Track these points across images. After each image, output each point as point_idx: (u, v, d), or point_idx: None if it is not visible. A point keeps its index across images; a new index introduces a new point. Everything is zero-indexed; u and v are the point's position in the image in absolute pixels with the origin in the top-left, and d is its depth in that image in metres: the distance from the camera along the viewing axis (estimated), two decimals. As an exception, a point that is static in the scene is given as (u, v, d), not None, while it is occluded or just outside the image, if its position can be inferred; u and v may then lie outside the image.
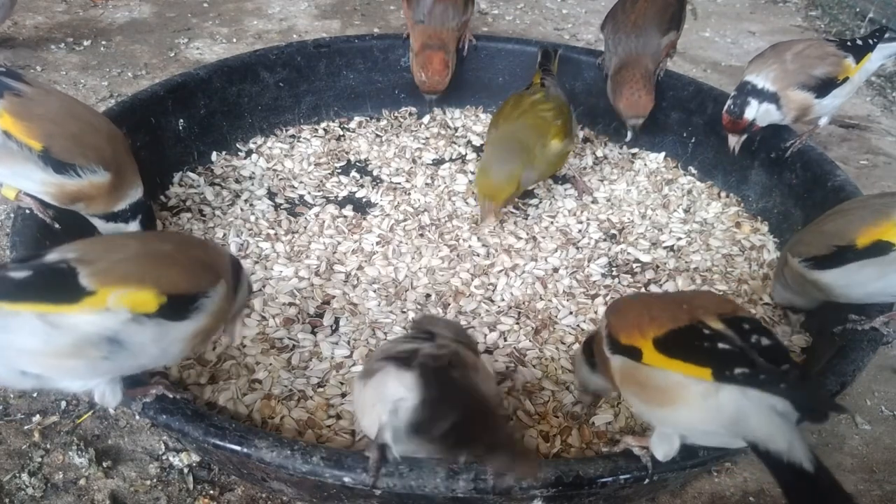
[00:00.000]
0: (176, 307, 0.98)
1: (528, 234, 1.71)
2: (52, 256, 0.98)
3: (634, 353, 0.98)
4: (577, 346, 1.42)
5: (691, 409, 0.92)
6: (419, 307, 1.49)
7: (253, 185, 1.83)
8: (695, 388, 0.90)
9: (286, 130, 2.04)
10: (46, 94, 1.38)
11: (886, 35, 1.72)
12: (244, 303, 1.18)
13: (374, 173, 1.91)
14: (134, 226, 1.46)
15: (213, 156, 1.92)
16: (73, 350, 0.93)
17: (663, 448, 0.99)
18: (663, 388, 0.94)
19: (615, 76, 1.88)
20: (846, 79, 1.67)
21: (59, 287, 0.93)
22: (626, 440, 1.06)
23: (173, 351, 1.02)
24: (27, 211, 1.40)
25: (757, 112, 1.68)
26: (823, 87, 1.66)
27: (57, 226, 1.41)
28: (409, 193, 1.82)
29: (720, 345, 0.91)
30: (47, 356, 0.93)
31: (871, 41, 1.70)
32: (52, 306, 0.92)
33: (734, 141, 1.76)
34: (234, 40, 2.75)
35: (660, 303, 1.06)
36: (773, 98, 1.67)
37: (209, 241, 1.10)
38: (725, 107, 1.72)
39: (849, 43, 1.71)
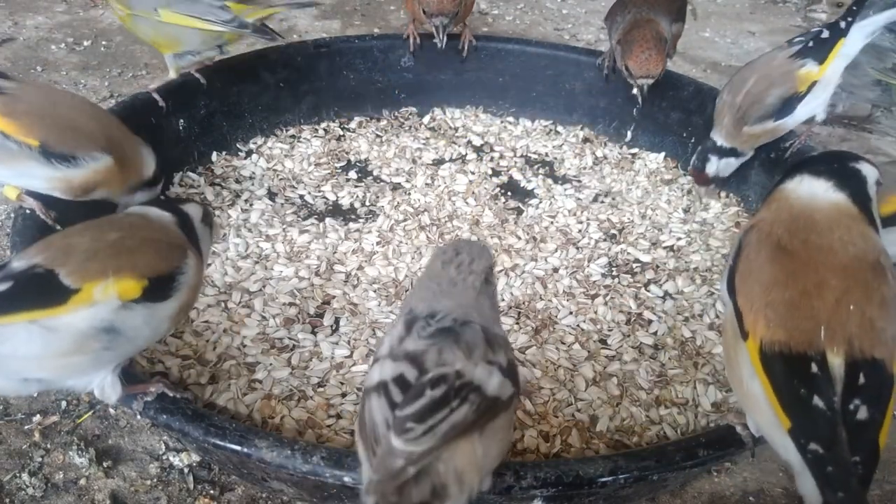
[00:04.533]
0: (158, 289, 1.02)
1: (528, 234, 1.71)
2: (20, 264, 0.98)
3: (741, 323, 0.91)
4: (577, 347, 1.43)
5: (763, 422, 0.91)
6: (419, 307, 1.49)
7: (253, 185, 1.84)
8: (772, 418, 0.86)
9: (286, 130, 2.04)
10: (27, 88, 1.37)
11: (862, 12, 1.54)
12: (212, 239, 1.26)
13: (375, 173, 1.91)
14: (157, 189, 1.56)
15: (214, 156, 1.92)
16: (74, 347, 0.95)
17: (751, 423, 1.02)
18: (748, 387, 0.90)
19: (625, 37, 1.80)
20: (813, 83, 1.60)
21: (44, 291, 0.95)
22: (728, 417, 1.07)
23: (163, 329, 1.07)
24: (28, 211, 1.39)
25: (717, 168, 1.77)
26: (786, 106, 1.63)
27: (58, 227, 1.38)
28: (409, 193, 1.82)
29: (815, 399, 0.82)
30: (49, 358, 0.95)
31: (842, 25, 1.56)
32: (44, 311, 0.94)
33: (703, 191, 1.85)
34: (235, 40, 2.75)
35: (808, 279, 0.90)
36: (730, 152, 1.75)
37: (153, 220, 1.13)
38: (692, 161, 1.82)
39: (810, 44, 1.60)
